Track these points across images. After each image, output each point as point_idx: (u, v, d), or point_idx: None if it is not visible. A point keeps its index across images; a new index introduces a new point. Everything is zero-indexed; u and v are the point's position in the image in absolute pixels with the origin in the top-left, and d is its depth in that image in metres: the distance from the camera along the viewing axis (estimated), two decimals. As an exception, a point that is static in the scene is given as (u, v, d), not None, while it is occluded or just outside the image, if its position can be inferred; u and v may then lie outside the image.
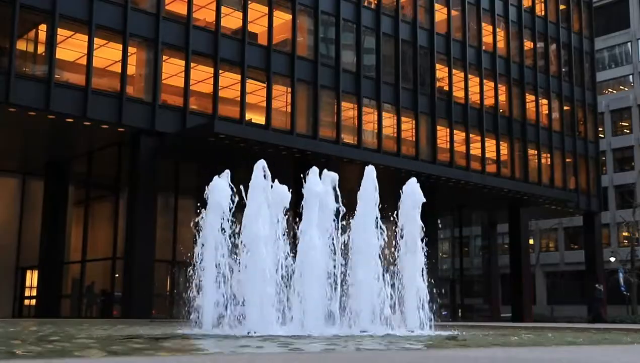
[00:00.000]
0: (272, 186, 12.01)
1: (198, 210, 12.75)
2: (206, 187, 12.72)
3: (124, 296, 28.40)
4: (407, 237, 13.19)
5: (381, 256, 12.53)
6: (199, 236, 12.60)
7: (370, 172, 13.12)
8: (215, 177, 12.81)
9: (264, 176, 11.93)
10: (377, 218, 12.62)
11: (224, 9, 31.45)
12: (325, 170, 12.48)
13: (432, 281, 13.24)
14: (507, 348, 8.74)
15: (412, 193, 13.42)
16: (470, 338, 11.18)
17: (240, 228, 11.93)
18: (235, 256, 11.99)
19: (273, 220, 11.81)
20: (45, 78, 26.50)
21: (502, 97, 42.98)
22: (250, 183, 11.92)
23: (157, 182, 28.82)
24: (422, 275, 13.01)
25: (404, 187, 13.52)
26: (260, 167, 11.99)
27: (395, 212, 13.23)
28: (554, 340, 11.19)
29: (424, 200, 13.34)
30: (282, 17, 33.76)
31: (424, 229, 13.25)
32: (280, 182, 12.24)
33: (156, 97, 28.91)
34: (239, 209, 12.27)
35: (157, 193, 29.00)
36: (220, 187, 12.59)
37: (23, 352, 7.44)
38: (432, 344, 9.70)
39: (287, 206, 11.98)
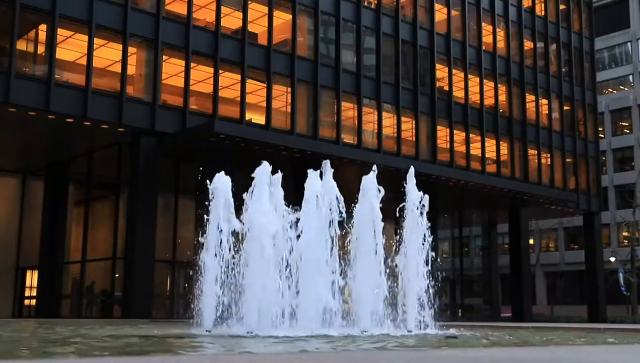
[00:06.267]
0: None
1: (202, 208, 12.63)
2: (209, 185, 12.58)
3: (124, 296, 28.38)
4: (407, 236, 13.18)
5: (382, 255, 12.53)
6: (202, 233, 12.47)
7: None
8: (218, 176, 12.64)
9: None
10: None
11: (224, 9, 31.43)
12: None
13: (432, 281, 13.23)
14: (507, 348, 8.74)
15: (413, 190, 13.40)
16: (476, 339, 11.17)
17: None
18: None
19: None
20: (45, 78, 26.48)
21: (502, 97, 42.95)
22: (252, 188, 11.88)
23: (157, 182, 28.81)
24: (422, 275, 13.00)
25: (406, 188, 13.50)
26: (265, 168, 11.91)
27: (397, 211, 13.23)
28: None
29: (423, 196, 13.31)
30: (282, 17, 33.75)
31: (426, 229, 13.24)
32: (281, 183, 12.23)
33: (156, 97, 28.89)
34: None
35: (157, 194, 28.98)
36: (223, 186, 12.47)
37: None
38: (431, 344, 9.70)
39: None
